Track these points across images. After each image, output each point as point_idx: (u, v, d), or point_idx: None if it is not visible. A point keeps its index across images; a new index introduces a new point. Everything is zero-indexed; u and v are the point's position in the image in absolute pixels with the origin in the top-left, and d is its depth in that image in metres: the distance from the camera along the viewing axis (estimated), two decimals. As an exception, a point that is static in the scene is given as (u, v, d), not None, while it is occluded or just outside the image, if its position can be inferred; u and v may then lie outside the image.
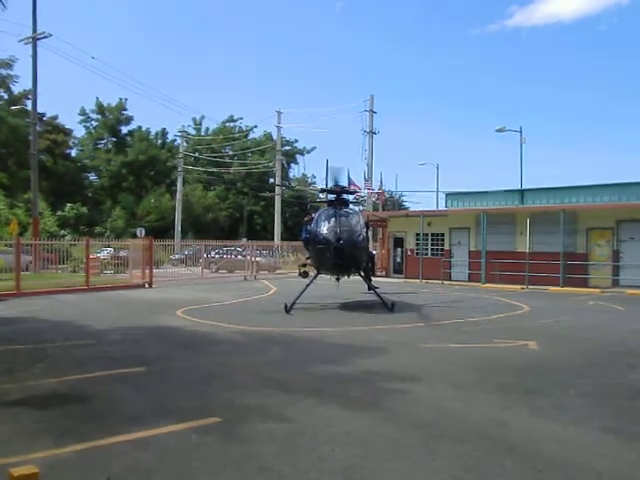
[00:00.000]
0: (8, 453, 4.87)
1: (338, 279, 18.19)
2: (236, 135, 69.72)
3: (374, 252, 19.26)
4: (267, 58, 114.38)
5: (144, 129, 73.09)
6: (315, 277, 17.09)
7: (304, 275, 17.60)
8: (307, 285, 16.51)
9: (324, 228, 16.14)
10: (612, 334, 12.34)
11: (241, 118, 75.71)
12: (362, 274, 17.78)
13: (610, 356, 9.80)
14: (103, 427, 5.69)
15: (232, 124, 75.38)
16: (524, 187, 32.20)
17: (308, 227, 17.29)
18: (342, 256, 15.53)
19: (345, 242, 15.49)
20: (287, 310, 15.13)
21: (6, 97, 43.08)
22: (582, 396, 7.02)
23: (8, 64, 34.42)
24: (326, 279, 18.18)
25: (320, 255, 16.27)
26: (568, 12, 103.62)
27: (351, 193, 17.88)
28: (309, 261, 18.05)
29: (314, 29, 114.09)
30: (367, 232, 17.77)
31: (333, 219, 16.16)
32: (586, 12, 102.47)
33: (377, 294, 16.71)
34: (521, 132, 38.76)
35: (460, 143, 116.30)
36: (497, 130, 39.30)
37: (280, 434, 5.53)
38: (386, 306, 15.85)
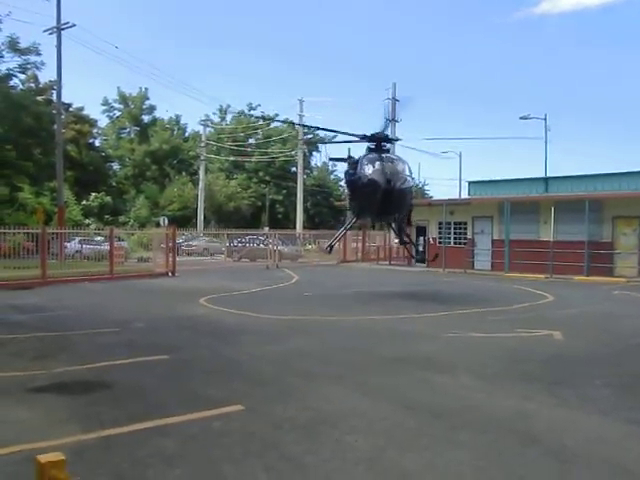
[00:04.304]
0: (35, 438, 4.96)
1: (373, 227, 18.04)
2: (258, 124, 69.79)
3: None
4: (290, 47, 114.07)
5: (168, 118, 73.73)
6: (352, 222, 16.96)
7: (329, 251, 17.70)
8: (345, 228, 16.87)
9: (371, 170, 15.58)
10: (638, 324, 12.17)
11: (259, 105, 75.60)
12: (398, 226, 17.30)
13: (635, 347, 9.67)
14: (127, 414, 5.76)
15: (252, 112, 75.36)
16: (548, 175, 31.80)
17: (351, 171, 16.73)
18: (389, 199, 15.00)
19: (394, 184, 15.01)
20: (329, 251, 17.44)
21: (33, 87, 43.58)
22: (607, 387, 6.93)
23: (30, 51, 34.76)
24: (352, 268, 18.17)
25: (365, 198, 15.75)
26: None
27: (392, 141, 17.10)
28: (348, 207, 17.76)
29: (337, 16, 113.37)
30: (412, 181, 17.13)
31: (379, 162, 15.60)
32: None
33: (408, 250, 16.77)
34: (546, 120, 38.31)
35: (483, 131, 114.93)
36: (521, 118, 38.90)
37: (302, 422, 5.54)
38: (412, 258, 16.09)
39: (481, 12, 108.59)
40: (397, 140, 16.90)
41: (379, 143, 16.55)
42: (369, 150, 16.73)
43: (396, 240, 39.38)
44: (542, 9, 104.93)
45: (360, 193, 16.04)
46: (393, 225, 17.27)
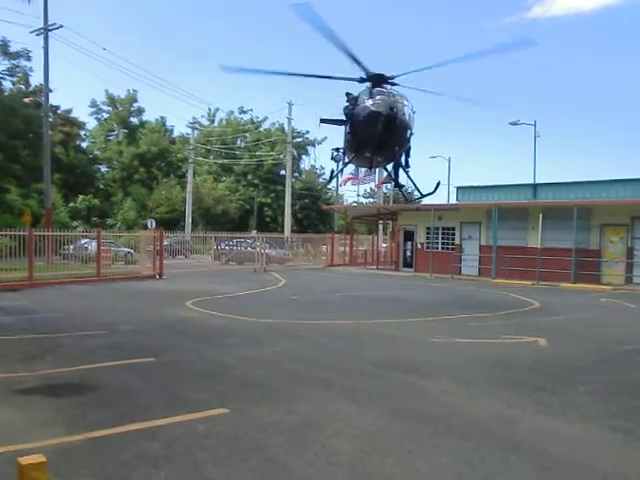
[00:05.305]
0: (20, 440, 4.97)
1: (371, 167, 17.28)
2: (247, 127, 69.80)
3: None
4: (280, 49, 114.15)
5: (156, 120, 73.48)
6: (350, 162, 16.17)
7: (328, 182, 17.09)
8: (344, 164, 16.07)
9: (372, 101, 14.74)
10: (623, 332, 12.29)
11: (251, 109, 75.74)
12: (395, 166, 16.32)
13: (620, 354, 9.77)
14: (113, 416, 5.77)
15: (242, 115, 75.51)
16: (537, 181, 32.04)
17: (350, 106, 16.00)
18: (392, 128, 14.31)
19: (396, 112, 14.28)
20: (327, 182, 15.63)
21: (23, 89, 43.50)
22: (591, 394, 7.01)
23: (19, 55, 34.76)
24: (340, 272, 18.11)
25: (365, 128, 14.86)
26: (589, 3, 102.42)
27: (393, 84, 16.24)
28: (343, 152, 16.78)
29: (327, 19, 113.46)
30: (413, 118, 16.40)
31: (380, 96, 14.73)
32: (608, 4, 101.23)
33: (403, 194, 16.41)
34: (535, 125, 38.56)
35: (473, 137, 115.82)
36: (511, 123, 39.12)
37: (287, 426, 5.58)
38: (421, 194, 15.74)
39: (473, 16, 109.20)
40: (396, 84, 15.92)
41: (379, 83, 15.41)
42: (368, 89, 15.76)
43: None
44: (534, 13, 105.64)
45: (361, 124, 15.04)
46: (389, 167, 16.58)
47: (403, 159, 15.99)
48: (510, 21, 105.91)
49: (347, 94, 15.94)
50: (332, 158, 16.83)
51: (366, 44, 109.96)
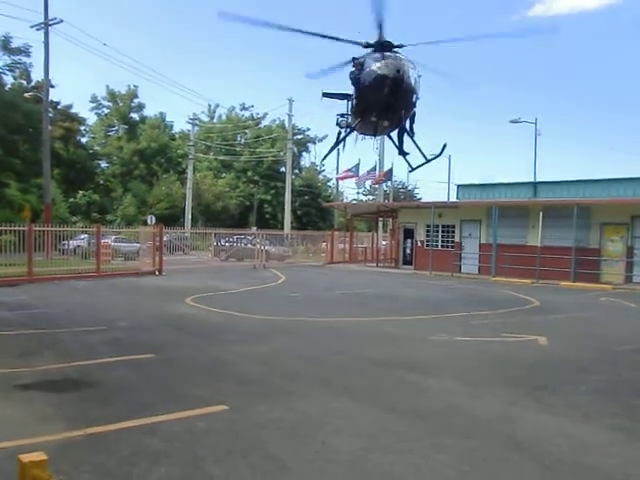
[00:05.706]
0: (20, 435, 4.94)
1: (375, 134, 17.26)
2: (247, 123, 69.76)
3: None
4: (281, 45, 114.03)
5: (155, 116, 73.38)
6: (354, 128, 16.11)
7: (342, 126, 16.76)
8: (347, 133, 15.88)
9: (378, 64, 14.94)
10: (623, 331, 12.26)
11: (252, 106, 75.74)
12: (399, 134, 16.56)
13: (621, 353, 9.74)
14: (112, 412, 5.75)
15: (243, 112, 75.45)
16: (537, 180, 31.99)
17: (356, 71, 15.94)
18: (398, 90, 13.83)
19: (403, 75, 14.54)
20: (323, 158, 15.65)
21: (24, 84, 43.48)
22: (592, 393, 6.99)
23: (20, 51, 34.81)
24: (339, 269, 18.07)
25: (371, 91, 14.34)
26: (592, 2, 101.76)
27: (395, 50, 16.10)
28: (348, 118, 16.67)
29: (327, 15, 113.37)
30: (419, 83, 16.31)
31: (386, 60, 15.01)
32: (612, 2, 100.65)
33: (406, 160, 16.32)
34: (536, 124, 38.54)
35: (474, 131, 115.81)
36: (512, 121, 39.07)
37: (286, 423, 5.55)
38: (426, 159, 15.69)
39: (471, 14, 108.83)
40: (400, 54, 15.71)
41: (385, 49, 15.65)
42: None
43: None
44: (535, 12, 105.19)
45: (367, 88, 14.97)
46: (394, 135, 16.46)
47: (408, 125, 15.94)
48: (511, 19, 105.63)
49: (353, 59, 15.80)
50: (337, 124, 16.74)
51: (362, 39, 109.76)
